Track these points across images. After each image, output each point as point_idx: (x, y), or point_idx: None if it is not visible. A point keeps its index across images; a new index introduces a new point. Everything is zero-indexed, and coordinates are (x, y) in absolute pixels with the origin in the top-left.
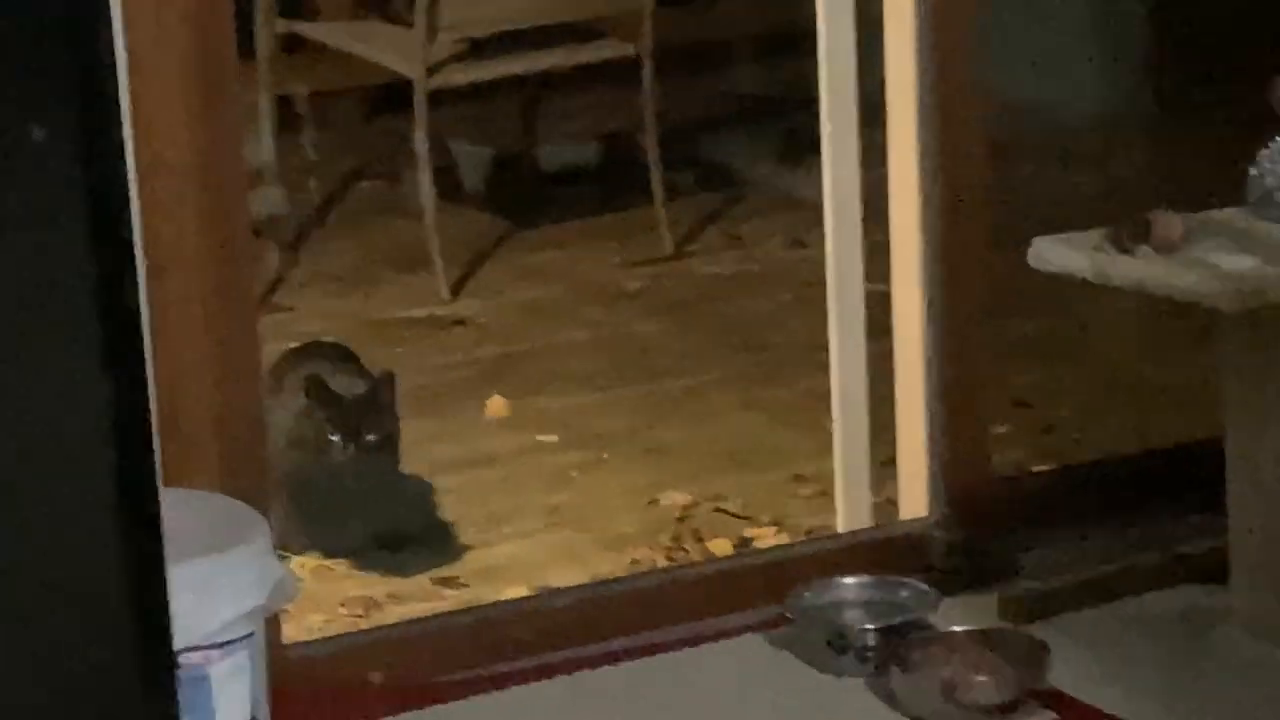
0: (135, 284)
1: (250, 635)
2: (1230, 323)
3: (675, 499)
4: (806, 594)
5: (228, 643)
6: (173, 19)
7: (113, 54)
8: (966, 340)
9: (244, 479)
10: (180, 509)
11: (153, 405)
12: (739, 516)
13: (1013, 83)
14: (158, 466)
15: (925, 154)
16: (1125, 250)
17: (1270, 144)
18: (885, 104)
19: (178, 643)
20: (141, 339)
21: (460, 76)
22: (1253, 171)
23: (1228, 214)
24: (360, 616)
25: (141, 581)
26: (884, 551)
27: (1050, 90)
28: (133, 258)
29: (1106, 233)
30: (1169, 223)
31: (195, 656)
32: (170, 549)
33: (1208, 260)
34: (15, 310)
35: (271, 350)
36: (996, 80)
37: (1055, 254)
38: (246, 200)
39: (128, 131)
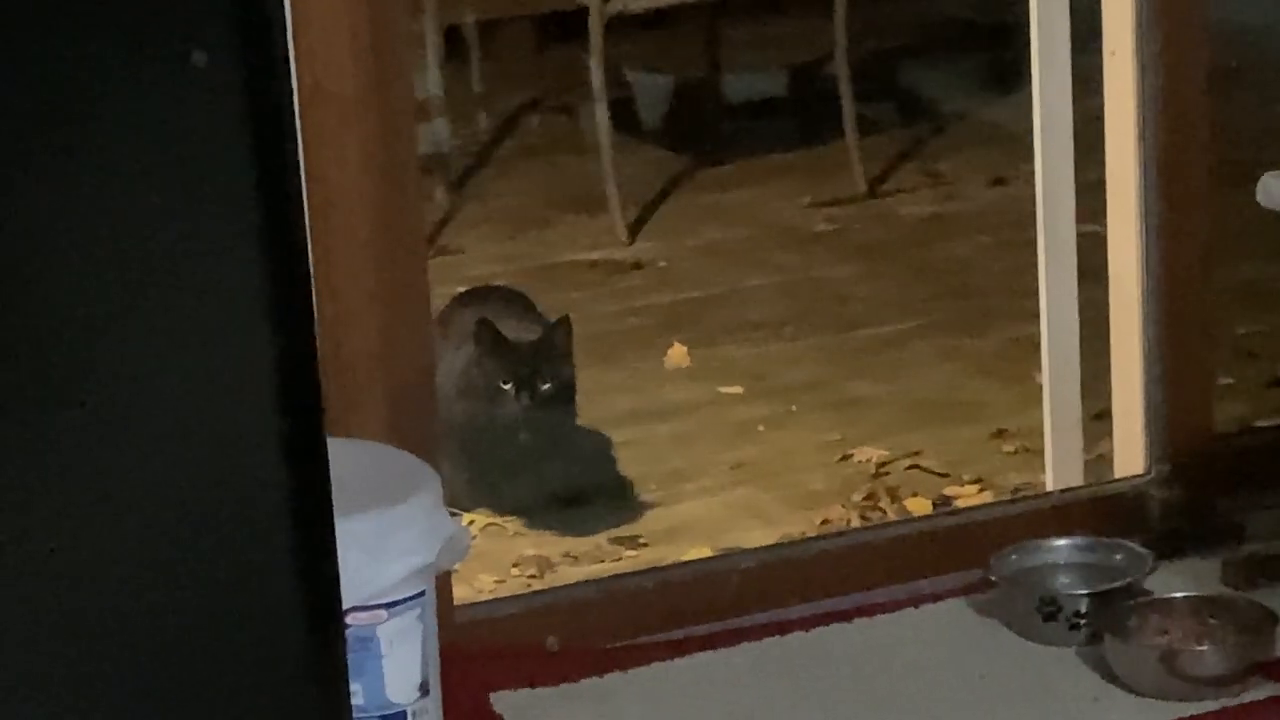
0: (301, 218)
1: (421, 594)
2: None
3: (869, 455)
4: (1013, 556)
5: (397, 602)
6: None
7: None
8: (1188, 285)
9: (412, 428)
10: (346, 459)
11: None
12: (938, 474)
13: (1240, 3)
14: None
15: (1144, 82)
16: None
17: None
18: (1101, 27)
19: (345, 601)
20: (308, 278)
21: (638, 1)
22: None
23: None
24: (534, 577)
25: (308, 537)
26: (1097, 512)
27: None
28: (298, 190)
29: None
30: None
31: (363, 616)
32: (336, 502)
33: None
34: (177, 246)
35: (439, 295)
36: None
37: None
38: (415, 133)
39: (290, 59)
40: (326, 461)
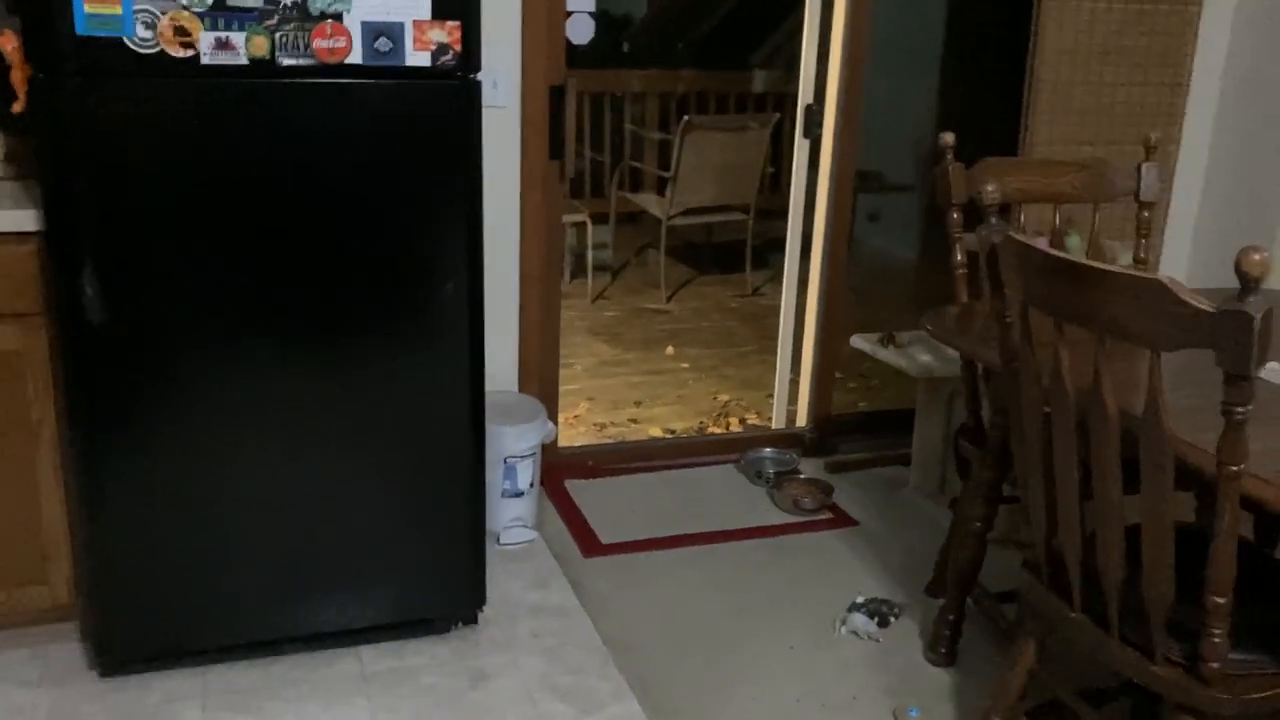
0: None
1: (534, 452)
2: None
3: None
4: (750, 453)
5: (524, 455)
6: None
7: None
8: (835, 303)
9: (538, 390)
10: (506, 400)
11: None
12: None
13: None
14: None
15: None
16: None
17: None
18: None
19: (503, 454)
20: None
21: None
22: None
23: None
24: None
25: (477, 426)
26: (786, 438)
27: None
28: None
29: None
30: None
31: (512, 460)
32: (503, 419)
33: None
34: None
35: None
36: None
37: None
38: None
39: None
40: (484, 399)
